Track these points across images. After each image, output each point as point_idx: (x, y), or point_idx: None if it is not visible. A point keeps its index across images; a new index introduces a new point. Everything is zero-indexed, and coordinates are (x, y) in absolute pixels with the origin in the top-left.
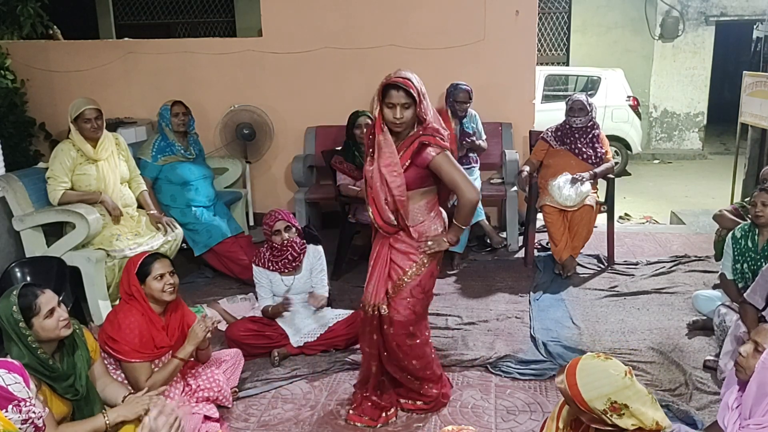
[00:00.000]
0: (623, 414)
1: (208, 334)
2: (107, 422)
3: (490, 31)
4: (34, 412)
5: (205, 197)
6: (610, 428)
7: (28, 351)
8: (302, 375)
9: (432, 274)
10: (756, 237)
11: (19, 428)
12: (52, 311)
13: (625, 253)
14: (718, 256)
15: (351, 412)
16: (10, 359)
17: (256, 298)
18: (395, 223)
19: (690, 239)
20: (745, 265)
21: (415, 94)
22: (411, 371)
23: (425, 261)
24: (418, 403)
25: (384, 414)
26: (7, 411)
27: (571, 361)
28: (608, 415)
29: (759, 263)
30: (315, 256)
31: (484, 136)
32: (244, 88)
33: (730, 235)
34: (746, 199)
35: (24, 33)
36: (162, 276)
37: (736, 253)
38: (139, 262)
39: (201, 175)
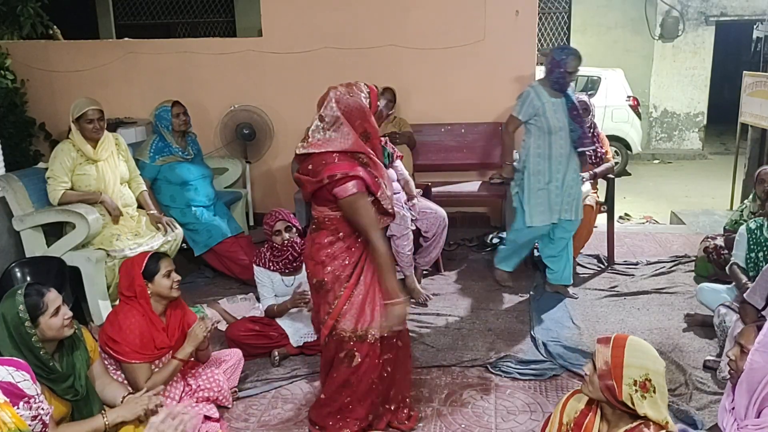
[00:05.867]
0: (646, 397)
1: (208, 333)
2: (106, 423)
3: (490, 31)
4: (42, 409)
5: (205, 197)
6: (620, 407)
7: (29, 352)
8: (302, 375)
9: None
10: None
11: (29, 425)
12: (57, 310)
13: (625, 253)
14: (699, 277)
15: None
16: (14, 358)
17: (257, 298)
18: None
19: (690, 239)
20: (761, 254)
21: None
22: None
23: None
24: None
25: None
26: (18, 407)
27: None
28: (633, 389)
29: None
30: None
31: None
32: (244, 88)
33: (744, 227)
34: (744, 205)
35: (24, 33)
36: (169, 273)
37: (751, 243)
38: (144, 262)
39: (200, 175)
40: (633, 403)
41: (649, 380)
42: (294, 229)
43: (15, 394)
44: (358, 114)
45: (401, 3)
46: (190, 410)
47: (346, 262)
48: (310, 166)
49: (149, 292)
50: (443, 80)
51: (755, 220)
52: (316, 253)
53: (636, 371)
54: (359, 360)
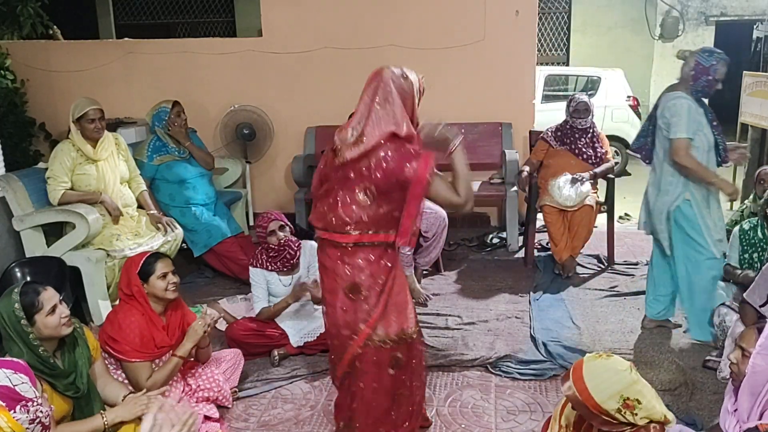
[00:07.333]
0: (636, 410)
1: (208, 329)
2: (105, 423)
3: (490, 31)
4: (41, 412)
5: (204, 194)
6: (621, 427)
7: (28, 349)
8: (302, 375)
9: None
10: (765, 229)
11: (27, 428)
12: (54, 308)
13: (625, 253)
14: None
15: None
16: (14, 359)
17: None
18: None
19: None
20: (755, 255)
21: None
22: None
23: None
24: None
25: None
26: (15, 412)
27: (573, 365)
28: (622, 413)
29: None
30: (311, 252)
31: None
32: (244, 88)
33: (737, 228)
34: (744, 205)
35: (24, 33)
36: (165, 275)
37: (744, 243)
38: (141, 262)
39: (197, 173)
40: (629, 421)
41: (628, 398)
42: (287, 228)
43: (12, 398)
44: (413, 96)
45: (401, 3)
46: (189, 408)
47: (382, 263)
48: (377, 162)
49: (146, 292)
50: (443, 80)
51: (749, 221)
52: (351, 257)
53: (612, 401)
54: (403, 359)
